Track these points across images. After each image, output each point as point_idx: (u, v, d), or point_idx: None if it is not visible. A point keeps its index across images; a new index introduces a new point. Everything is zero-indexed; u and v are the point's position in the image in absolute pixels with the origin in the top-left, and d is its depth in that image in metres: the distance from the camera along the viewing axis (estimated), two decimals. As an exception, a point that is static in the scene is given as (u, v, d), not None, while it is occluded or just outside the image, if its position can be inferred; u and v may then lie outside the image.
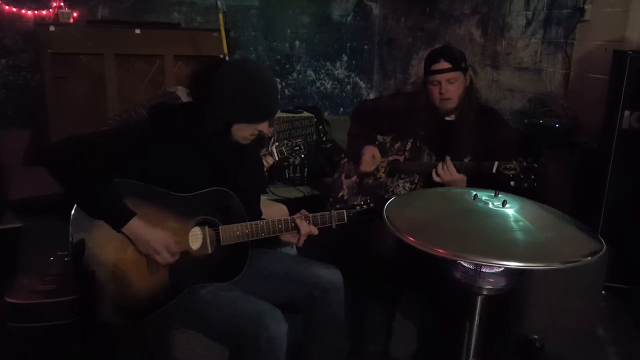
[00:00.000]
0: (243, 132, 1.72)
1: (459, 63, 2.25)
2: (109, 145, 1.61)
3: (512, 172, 2.02)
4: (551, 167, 2.30)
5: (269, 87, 1.71)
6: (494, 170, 2.07)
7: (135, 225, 1.59)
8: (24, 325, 2.18)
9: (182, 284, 1.68)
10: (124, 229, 1.58)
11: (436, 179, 2.16)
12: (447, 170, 2.13)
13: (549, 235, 1.26)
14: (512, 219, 1.26)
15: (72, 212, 1.59)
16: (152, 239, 1.61)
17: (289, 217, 1.83)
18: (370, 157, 2.45)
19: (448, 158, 2.15)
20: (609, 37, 2.87)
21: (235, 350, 1.64)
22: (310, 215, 1.85)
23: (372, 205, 1.89)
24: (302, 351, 1.85)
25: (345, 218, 1.89)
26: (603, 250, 1.19)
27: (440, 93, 2.26)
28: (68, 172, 1.56)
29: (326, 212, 1.87)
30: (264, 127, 1.73)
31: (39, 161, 1.55)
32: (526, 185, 1.98)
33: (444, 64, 2.23)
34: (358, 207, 1.90)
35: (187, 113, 1.73)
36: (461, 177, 2.14)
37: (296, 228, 1.82)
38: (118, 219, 1.58)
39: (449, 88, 2.25)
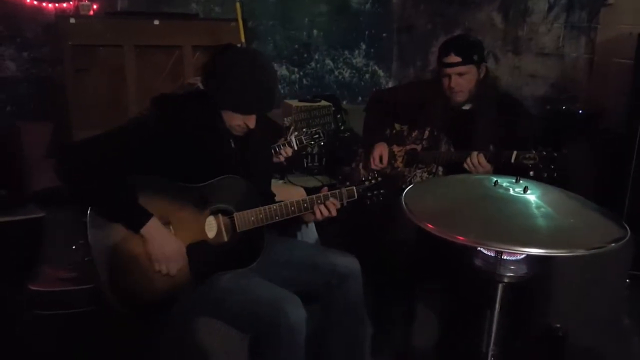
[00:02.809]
0: (231, 121, 1.72)
1: (470, 56, 2.21)
2: (117, 146, 1.60)
3: (532, 162, 1.99)
4: (575, 153, 2.26)
5: (265, 82, 1.68)
6: (512, 160, 2.05)
7: (154, 227, 1.58)
8: (48, 313, 2.23)
9: (203, 273, 1.69)
10: (142, 231, 1.57)
11: (471, 170, 2.14)
12: (479, 165, 2.11)
13: (572, 221, 1.23)
14: (533, 205, 1.24)
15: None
16: (168, 246, 1.60)
17: (300, 199, 1.84)
18: (377, 157, 2.43)
19: (478, 153, 2.12)
20: (634, 20, 2.80)
21: (256, 336, 1.65)
22: (322, 194, 1.86)
23: (380, 179, 1.93)
24: (320, 339, 1.85)
25: (355, 194, 1.90)
26: (627, 237, 1.16)
27: (450, 86, 2.23)
28: (82, 182, 1.55)
29: (336, 190, 1.89)
30: (250, 121, 1.71)
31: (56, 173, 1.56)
32: (546, 175, 1.95)
33: (453, 58, 2.20)
34: (367, 182, 1.93)
35: (190, 100, 1.74)
36: (490, 167, 2.13)
37: (309, 209, 1.84)
38: (136, 221, 1.57)
39: (459, 82, 2.22)
